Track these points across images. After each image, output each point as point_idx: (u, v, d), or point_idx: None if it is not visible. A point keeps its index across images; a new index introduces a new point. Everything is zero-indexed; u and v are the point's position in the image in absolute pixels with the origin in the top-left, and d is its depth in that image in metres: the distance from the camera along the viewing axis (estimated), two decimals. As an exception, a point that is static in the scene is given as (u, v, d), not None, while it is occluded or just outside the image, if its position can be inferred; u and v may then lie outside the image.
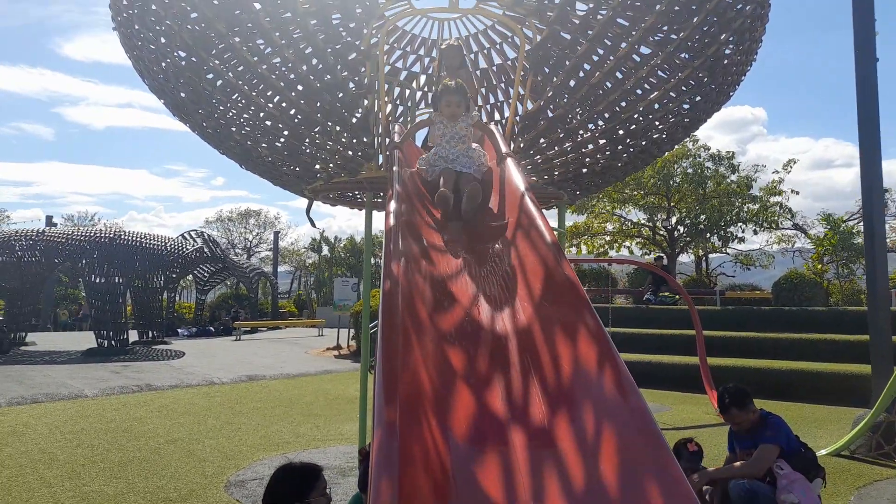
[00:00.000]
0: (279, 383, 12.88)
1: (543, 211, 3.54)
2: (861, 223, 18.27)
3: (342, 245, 44.53)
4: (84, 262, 17.73)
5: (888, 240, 18.35)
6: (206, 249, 22.88)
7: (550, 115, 5.07)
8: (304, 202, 6.55)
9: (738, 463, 4.15)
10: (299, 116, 5.04)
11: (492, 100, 6.79)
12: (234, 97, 5.13)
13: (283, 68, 4.94)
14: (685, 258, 28.78)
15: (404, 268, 3.02)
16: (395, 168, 4.21)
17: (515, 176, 3.77)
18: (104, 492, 5.55)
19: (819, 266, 20.01)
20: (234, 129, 5.34)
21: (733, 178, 24.70)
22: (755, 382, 11.00)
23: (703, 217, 24.08)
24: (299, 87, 4.93)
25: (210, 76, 4.98)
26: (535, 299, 2.80)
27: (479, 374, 2.42)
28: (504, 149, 4.07)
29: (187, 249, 21.49)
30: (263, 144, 5.44)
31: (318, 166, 5.49)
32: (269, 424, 8.55)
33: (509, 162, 3.96)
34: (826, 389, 10.37)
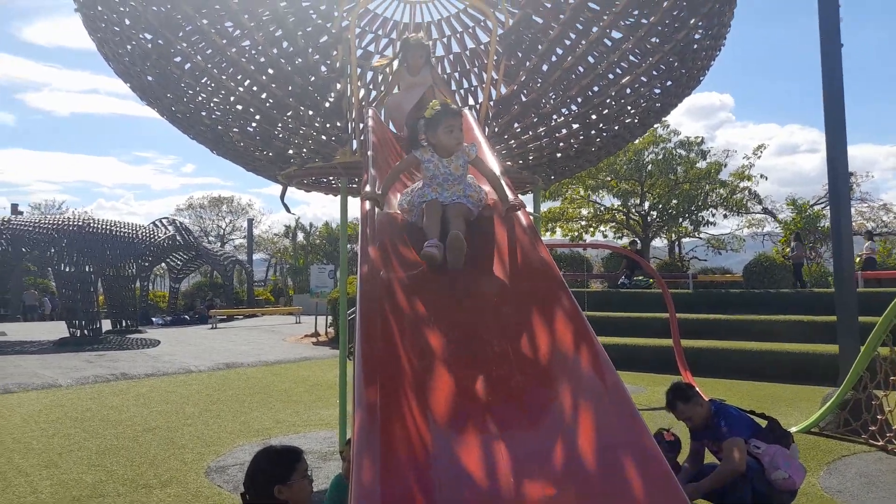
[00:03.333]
0: (257, 370, 12.83)
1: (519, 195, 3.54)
2: (827, 207, 18.68)
3: (317, 232, 44.23)
4: (53, 250, 17.39)
5: (853, 223, 18.78)
6: (178, 237, 22.58)
7: (524, 99, 5.10)
8: (277, 189, 6.51)
9: (715, 471, 4.04)
10: (271, 101, 4.99)
11: (465, 84, 6.79)
12: (203, 81, 5.05)
13: (254, 51, 4.87)
14: (658, 243, 29.18)
15: (381, 251, 3.04)
16: (369, 153, 4.21)
17: (490, 159, 3.77)
18: (83, 480, 5.51)
19: (787, 249, 20.45)
20: (203, 113, 5.26)
21: (703, 164, 25.08)
22: (727, 363, 11.30)
23: (674, 202, 24.41)
24: (270, 71, 4.88)
25: (178, 59, 4.90)
26: (511, 281, 2.84)
27: (458, 355, 2.45)
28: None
29: (159, 237, 21.18)
30: (235, 129, 5.38)
31: (291, 151, 5.45)
32: (248, 411, 8.53)
33: (484, 147, 3.88)
34: (795, 369, 10.65)
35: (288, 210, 7.04)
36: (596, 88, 5.03)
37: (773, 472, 3.96)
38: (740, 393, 9.29)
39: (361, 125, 5.25)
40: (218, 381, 11.28)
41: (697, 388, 4.37)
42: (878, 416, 6.56)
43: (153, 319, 25.40)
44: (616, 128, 5.42)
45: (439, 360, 2.41)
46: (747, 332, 12.62)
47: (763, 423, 4.30)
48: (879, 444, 6.41)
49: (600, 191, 26.03)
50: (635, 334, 13.32)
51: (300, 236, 44.46)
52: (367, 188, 3.41)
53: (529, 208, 4.85)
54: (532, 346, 2.41)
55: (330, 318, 19.03)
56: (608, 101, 5.07)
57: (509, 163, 5.25)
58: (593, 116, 5.21)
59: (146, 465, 5.95)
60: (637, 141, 24.17)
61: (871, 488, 5.24)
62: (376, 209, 3.29)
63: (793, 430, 6.75)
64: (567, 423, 1.97)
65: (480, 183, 3.44)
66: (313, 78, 4.83)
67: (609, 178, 25.09)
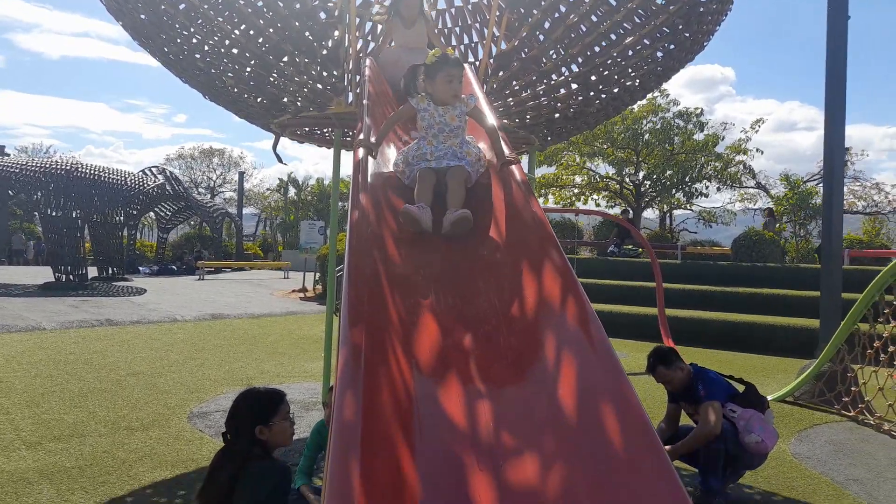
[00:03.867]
0: (243, 322, 12.86)
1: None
2: (820, 185, 18.75)
3: (310, 188, 43.89)
4: (39, 194, 17.15)
5: (844, 201, 18.88)
6: (167, 186, 22.33)
7: (524, 56, 5.01)
8: (270, 143, 6.41)
9: (691, 434, 4.13)
10: (266, 45, 4.86)
11: (466, 40, 6.65)
12: (198, 22, 4.91)
13: (251, -7, 4.73)
14: (650, 214, 29.25)
15: (373, 200, 3.00)
16: (365, 101, 4.13)
17: (488, 113, 3.70)
18: (64, 419, 5.53)
19: (777, 225, 20.56)
20: (198, 55, 5.13)
21: (700, 135, 24.98)
22: (710, 333, 11.44)
23: (669, 173, 24.38)
24: (267, 14, 4.74)
25: (171, -1, 4.74)
26: (502, 235, 2.82)
27: (445, 305, 2.44)
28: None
29: (148, 185, 20.94)
30: (229, 74, 5.25)
31: (285, 99, 5.35)
32: (232, 361, 8.57)
33: (481, 101, 3.81)
34: (777, 341, 10.82)
35: (280, 160, 6.95)
36: (598, 48, 4.94)
37: (746, 436, 4.05)
38: (719, 362, 9.42)
39: (358, 76, 5.14)
40: (203, 331, 11.30)
41: (678, 354, 4.42)
42: (853, 388, 6.70)
43: (140, 268, 25.27)
44: (616, 90, 5.34)
45: (426, 308, 2.39)
46: (732, 305, 12.76)
47: (741, 387, 4.37)
48: (851, 414, 6.56)
49: (596, 158, 25.94)
50: (622, 302, 13.43)
51: (292, 191, 44.12)
52: (361, 136, 3.36)
53: (524, 169, 4.82)
54: (520, 300, 2.40)
55: (318, 274, 19.02)
56: (609, 61, 4.98)
57: (506, 121, 5.17)
58: (593, 77, 5.13)
59: (128, 408, 5.98)
60: (636, 109, 24.03)
61: (839, 455, 5.37)
62: (369, 158, 3.24)
63: (769, 398, 6.88)
64: (550, 373, 1.97)
65: (477, 140, 3.34)
66: (311, 23, 4.71)
67: (605, 146, 24.97)
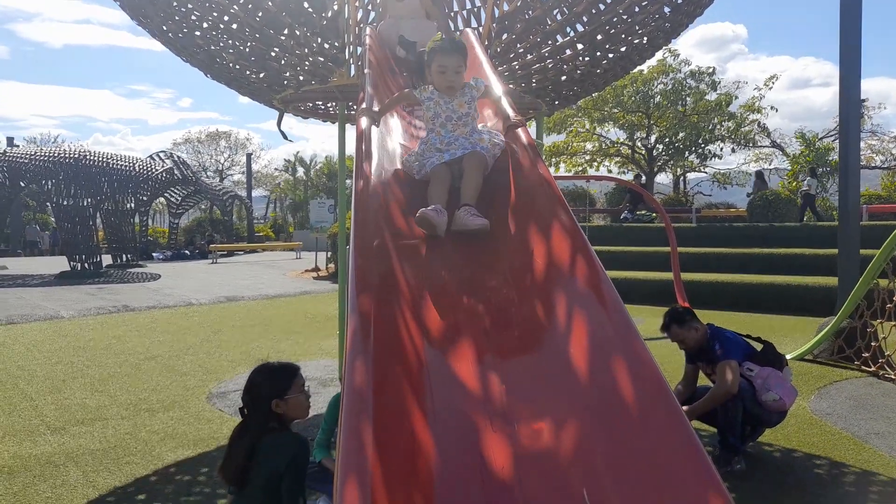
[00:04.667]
0: (258, 304, 12.94)
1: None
2: (836, 141, 18.38)
3: (318, 167, 43.83)
4: (50, 183, 17.26)
5: (862, 156, 18.56)
6: (176, 171, 22.37)
7: (528, 17, 4.89)
8: (275, 124, 6.36)
9: (708, 393, 4.09)
10: (266, 18, 4.78)
11: (468, 5, 6.51)
12: (195, -2, 4.84)
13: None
14: (663, 178, 28.93)
15: (377, 168, 2.96)
16: (367, 71, 4.06)
17: (493, 82, 3.61)
18: (86, 404, 5.61)
19: (794, 184, 20.25)
20: (197, 33, 5.07)
21: (713, 95, 24.52)
22: (726, 296, 11.35)
23: (681, 135, 24.03)
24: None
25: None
26: (510, 199, 2.77)
27: (454, 270, 2.41)
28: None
29: (157, 170, 20.99)
30: (230, 50, 5.18)
31: (287, 74, 5.28)
32: (248, 342, 8.63)
33: (487, 70, 3.67)
34: (794, 301, 10.72)
35: (285, 137, 6.93)
36: (602, 6, 4.81)
37: (764, 394, 4.01)
38: (737, 324, 9.27)
39: (359, 48, 5.06)
40: (219, 314, 11.39)
41: (694, 314, 4.37)
42: (872, 344, 6.62)
43: (154, 254, 25.50)
44: (623, 49, 5.21)
45: (434, 275, 2.36)
46: (748, 266, 12.63)
47: (758, 346, 4.32)
48: (871, 369, 6.49)
49: (606, 124, 25.60)
50: (637, 268, 13.34)
51: (300, 171, 44.10)
52: (364, 105, 3.30)
53: (532, 135, 4.73)
54: (529, 262, 2.35)
55: (330, 253, 19.06)
56: (615, 19, 4.85)
57: (512, 85, 5.08)
58: (599, 36, 5.00)
59: (148, 391, 6.05)
60: (646, 71, 23.61)
61: (860, 410, 5.33)
62: (373, 128, 3.18)
63: (787, 357, 6.83)
64: (561, 333, 1.94)
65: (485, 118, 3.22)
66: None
67: (616, 110, 24.62)
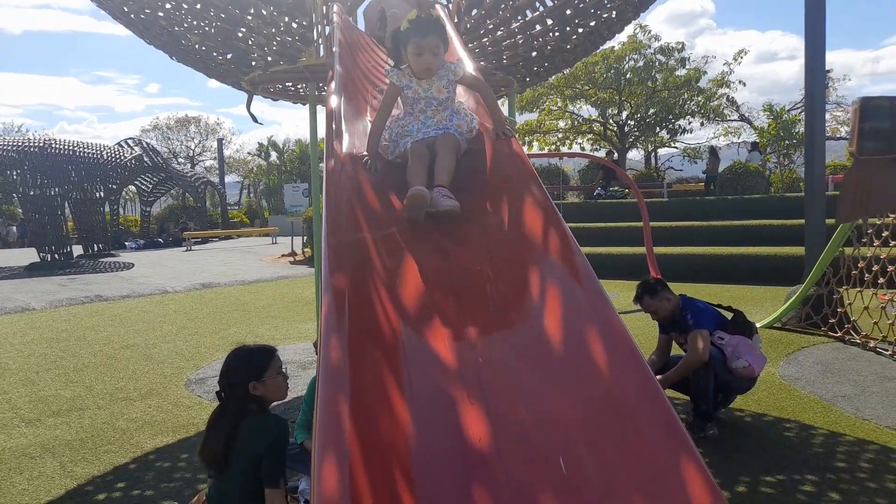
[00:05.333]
0: (234, 290, 12.83)
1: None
2: (803, 113, 18.68)
3: (291, 150, 43.27)
4: (15, 173, 16.82)
5: (828, 127, 18.90)
6: (145, 158, 21.94)
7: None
8: (245, 109, 6.25)
9: (680, 362, 4.18)
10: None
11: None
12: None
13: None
14: (635, 154, 29.15)
15: (349, 146, 2.94)
16: (335, 49, 4.01)
17: (466, 62, 3.56)
18: (61, 395, 5.54)
19: (766, 156, 20.56)
20: (160, 13, 4.94)
21: (682, 71, 24.69)
22: (698, 268, 11.54)
23: (652, 111, 24.21)
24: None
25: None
26: (484, 175, 2.78)
27: (427, 245, 2.42)
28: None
29: (125, 158, 20.56)
30: (195, 31, 5.08)
31: (254, 55, 5.19)
32: (226, 327, 8.58)
33: (466, 63, 3.55)
34: (764, 271, 10.95)
35: (255, 119, 6.81)
36: (571, -20, 4.80)
37: (734, 361, 4.12)
38: (708, 294, 9.49)
39: (328, 27, 4.98)
40: (195, 301, 11.28)
41: (666, 285, 4.46)
42: (839, 310, 6.82)
43: (126, 244, 25.06)
44: (592, 23, 5.22)
45: (408, 251, 2.37)
46: (718, 238, 12.85)
47: (729, 315, 4.42)
48: (838, 335, 6.69)
49: (578, 101, 25.66)
50: (611, 244, 13.50)
51: (273, 155, 43.52)
52: (334, 96, 3.25)
53: (504, 112, 4.72)
54: (503, 238, 2.38)
55: (306, 237, 18.93)
56: (583, -7, 4.85)
57: (483, 62, 5.06)
58: (568, 11, 5.00)
59: (125, 380, 5.99)
60: (617, 48, 23.64)
61: (827, 374, 5.50)
62: (342, 106, 3.15)
63: (757, 325, 7.00)
64: (535, 305, 1.97)
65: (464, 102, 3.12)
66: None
67: (587, 88, 24.67)
